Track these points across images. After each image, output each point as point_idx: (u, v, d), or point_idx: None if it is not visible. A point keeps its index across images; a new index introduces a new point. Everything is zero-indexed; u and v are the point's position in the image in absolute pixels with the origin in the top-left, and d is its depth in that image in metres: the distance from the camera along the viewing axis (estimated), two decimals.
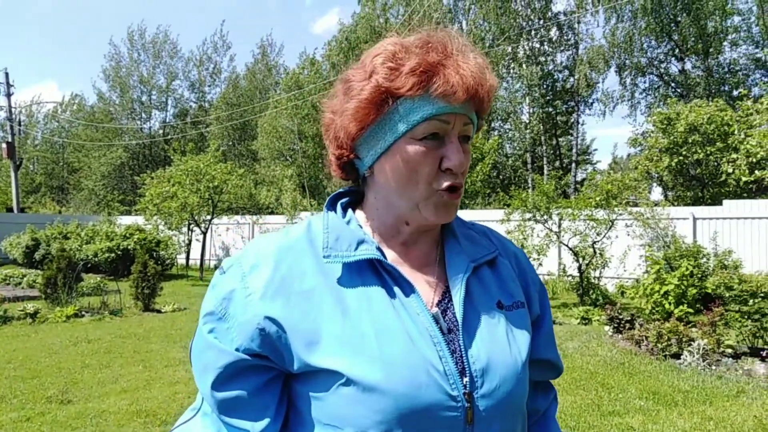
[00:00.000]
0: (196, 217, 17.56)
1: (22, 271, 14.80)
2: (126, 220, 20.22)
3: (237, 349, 0.80)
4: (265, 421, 0.82)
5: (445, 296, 0.87)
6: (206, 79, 40.31)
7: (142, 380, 5.45)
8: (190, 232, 18.61)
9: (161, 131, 39.36)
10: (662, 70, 26.41)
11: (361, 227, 0.90)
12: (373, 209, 0.91)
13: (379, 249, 0.86)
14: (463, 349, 0.81)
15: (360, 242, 0.85)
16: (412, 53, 0.82)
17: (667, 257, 8.91)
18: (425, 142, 0.83)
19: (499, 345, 0.84)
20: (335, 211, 0.92)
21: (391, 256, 0.89)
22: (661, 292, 8.20)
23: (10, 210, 27.86)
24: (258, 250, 0.86)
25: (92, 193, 35.98)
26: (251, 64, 38.30)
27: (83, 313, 9.24)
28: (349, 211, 0.93)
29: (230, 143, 36.41)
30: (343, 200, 0.95)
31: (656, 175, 16.81)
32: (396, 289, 0.83)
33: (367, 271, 0.84)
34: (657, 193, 21.29)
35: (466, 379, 0.79)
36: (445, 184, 0.85)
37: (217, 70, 40.28)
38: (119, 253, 15.20)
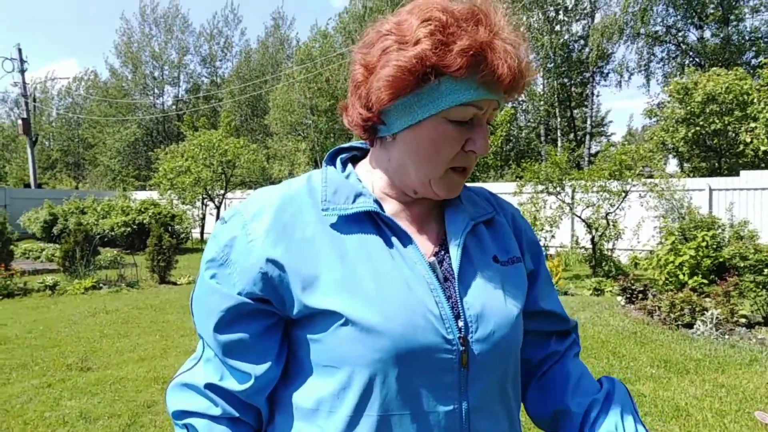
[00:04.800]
0: (209, 192, 17.69)
1: (41, 246, 15.06)
2: (141, 195, 20.40)
3: (239, 293, 0.82)
4: (266, 365, 0.84)
5: (442, 249, 0.89)
6: (218, 53, 40.14)
7: (158, 349, 5.56)
8: (204, 207, 18.75)
9: (174, 107, 39.40)
10: (680, 39, 25.78)
11: (360, 182, 0.91)
12: (383, 168, 0.91)
13: (377, 202, 0.87)
14: (458, 296, 0.83)
15: (358, 195, 0.86)
16: (462, 28, 0.78)
17: (682, 228, 8.83)
18: (456, 125, 0.82)
19: (494, 294, 0.86)
20: (334, 166, 0.93)
21: (390, 210, 0.90)
22: (676, 263, 8.14)
23: (27, 186, 28.23)
24: (259, 200, 0.87)
25: (107, 169, 36.32)
26: (263, 38, 38.03)
27: (101, 285, 9.40)
28: (349, 165, 0.94)
29: (243, 118, 36.40)
30: (343, 155, 0.96)
31: (672, 146, 16.55)
32: (394, 239, 0.85)
33: (366, 223, 0.85)
34: (673, 164, 21.01)
35: (461, 324, 0.81)
36: (461, 164, 0.86)
37: (228, 44, 40.07)
38: (135, 227, 15.37)
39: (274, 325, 0.85)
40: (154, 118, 37.77)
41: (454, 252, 0.87)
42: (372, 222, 0.85)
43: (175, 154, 17.99)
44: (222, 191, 17.85)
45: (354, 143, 0.99)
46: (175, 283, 10.06)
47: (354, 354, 0.78)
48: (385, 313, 0.77)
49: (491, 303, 0.85)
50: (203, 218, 18.80)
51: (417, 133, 0.83)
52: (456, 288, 0.84)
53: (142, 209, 15.90)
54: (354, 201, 0.85)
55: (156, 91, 39.77)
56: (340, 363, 0.80)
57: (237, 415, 0.86)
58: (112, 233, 15.39)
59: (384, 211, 0.87)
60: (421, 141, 0.83)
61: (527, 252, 1.00)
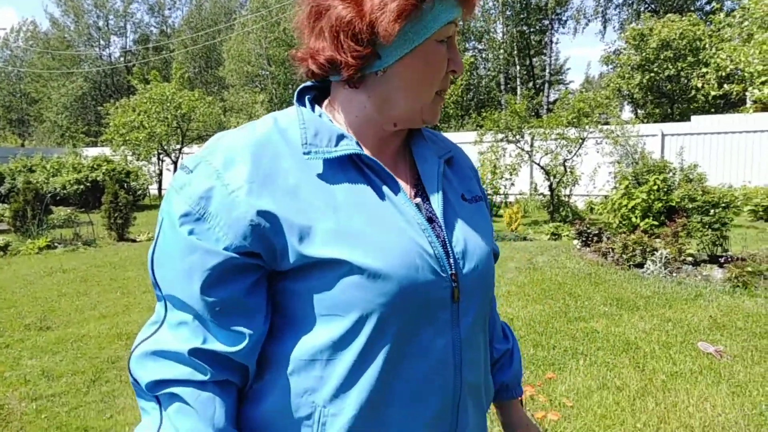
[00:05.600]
0: (165, 147, 17.19)
1: None
2: (92, 152, 19.67)
3: (226, 249, 0.77)
4: (259, 322, 0.81)
5: (418, 188, 0.90)
6: (166, 1, 38.23)
7: (120, 306, 5.51)
8: (160, 162, 18.26)
9: (122, 58, 37.65)
10: None
11: (331, 122, 0.87)
12: (359, 106, 0.87)
13: (358, 144, 0.85)
14: (445, 235, 0.86)
15: (340, 137, 0.83)
16: None
17: (635, 173, 9.10)
18: (442, 44, 0.84)
19: (471, 231, 0.90)
20: (304, 106, 0.89)
21: (368, 152, 0.88)
22: (629, 206, 8.43)
23: None
24: (227, 146, 0.81)
25: (55, 125, 34.75)
26: None
27: (56, 244, 9.15)
28: (317, 107, 0.90)
29: (196, 70, 35.14)
30: (308, 95, 0.91)
31: (627, 92, 16.83)
32: (379, 182, 0.83)
33: (348, 166, 0.83)
34: (627, 111, 21.42)
35: (450, 261, 0.84)
36: (444, 87, 0.88)
37: None
38: (88, 184, 14.88)
39: (261, 280, 0.82)
40: (101, 70, 36.05)
41: (435, 193, 0.88)
42: (354, 165, 0.83)
43: (126, 109, 17.33)
44: (178, 146, 17.38)
45: (315, 82, 0.93)
46: (134, 240, 9.87)
47: (359, 299, 0.78)
48: (386, 256, 0.78)
49: (472, 239, 0.88)
50: (160, 174, 18.34)
51: (414, 60, 0.82)
52: (442, 227, 0.86)
53: (95, 166, 15.38)
54: (337, 144, 0.82)
55: (101, 42, 37.84)
56: (344, 310, 0.79)
57: (225, 377, 0.82)
58: (65, 191, 14.89)
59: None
60: (418, 66, 0.83)
61: (484, 196, 1.05)
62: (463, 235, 0.88)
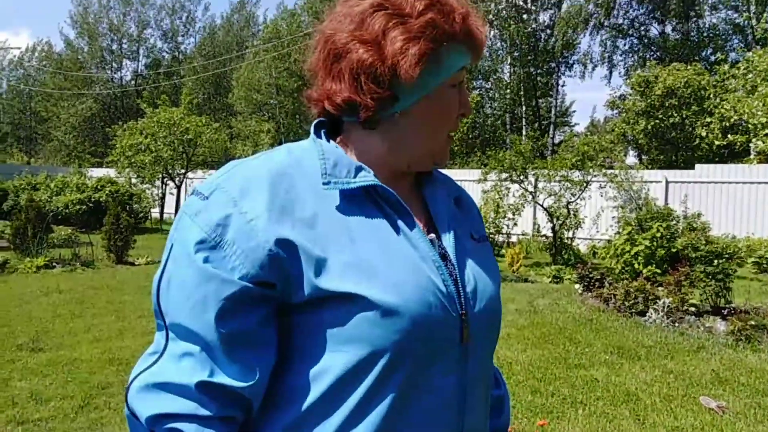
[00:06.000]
0: (170, 171, 17.27)
1: None
2: (97, 173, 19.77)
3: (241, 278, 0.75)
4: (271, 356, 0.79)
5: (429, 226, 0.90)
6: (180, 28, 39.03)
7: (114, 330, 5.44)
8: (163, 186, 18.32)
9: (133, 82, 38.22)
10: (642, 33, 26.35)
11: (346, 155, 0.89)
12: (373, 147, 0.88)
13: (375, 176, 0.84)
14: (458, 273, 0.85)
15: (358, 169, 0.83)
16: None
17: (639, 219, 9.09)
18: (454, 89, 0.87)
19: (481, 271, 0.90)
20: (321, 138, 0.89)
21: None
22: (632, 252, 8.38)
23: None
24: (243, 174, 0.81)
25: (62, 144, 35.05)
26: (228, 14, 37.19)
27: (54, 264, 9.10)
28: (331, 141, 0.90)
29: (205, 96, 35.62)
30: (323, 129, 0.91)
31: (632, 138, 16.98)
32: (395, 217, 0.83)
33: (364, 199, 0.83)
34: (632, 156, 21.58)
35: (462, 300, 0.83)
36: (454, 129, 0.91)
37: (191, 19, 39.02)
38: (90, 205, 14.91)
39: (272, 312, 0.79)
40: (111, 92, 36.56)
41: (447, 231, 0.89)
42: (370, 198, 0.83)
43: (133, 131, 17.46)
44: (183, 171, 17.47)
45: (329, 117, 0.93)
46: (133, 263, 9.83)
47: (371, 335, 0.76)
48: (402, 293, 0.77)
49: (482, 279, 0.88)
50: (163, 197, 18.38)
51: (430, 103, 0.85)
52: (455, 265, 0.85)
53: (99, 187, 15.43)
54: (355, 175, 0.82)
55: (114, 65, 38.50)
56: (354, 346, 0.76)
57: (229, 414, 0.78)
58: (67, 211, 14.90)
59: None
60: (433, 109, 0.86)
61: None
62: (473, 274, 0.87)
